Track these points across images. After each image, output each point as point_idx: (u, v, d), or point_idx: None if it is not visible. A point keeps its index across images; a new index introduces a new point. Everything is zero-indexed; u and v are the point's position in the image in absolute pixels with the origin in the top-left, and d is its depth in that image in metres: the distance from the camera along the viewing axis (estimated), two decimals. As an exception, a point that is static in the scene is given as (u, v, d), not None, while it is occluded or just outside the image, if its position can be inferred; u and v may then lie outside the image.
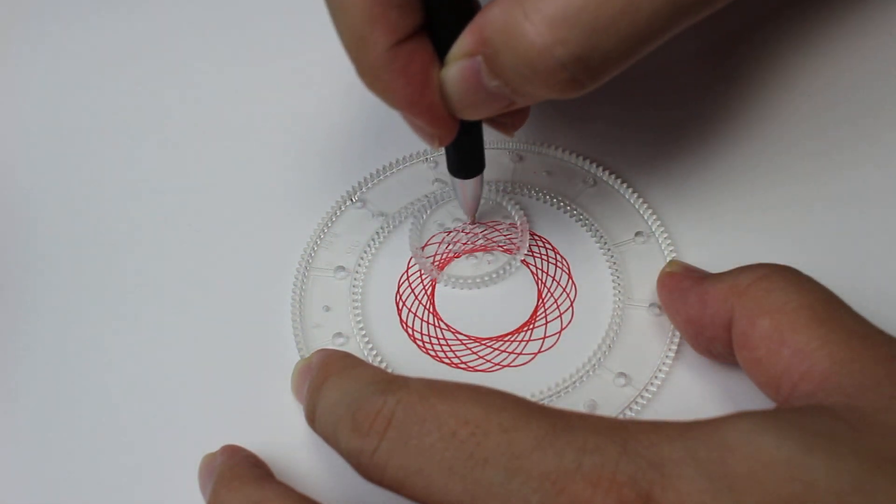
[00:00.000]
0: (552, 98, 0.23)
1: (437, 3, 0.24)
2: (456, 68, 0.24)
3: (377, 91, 0.25)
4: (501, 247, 0.31)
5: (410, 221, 0.32)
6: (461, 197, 0.31)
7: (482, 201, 0.32)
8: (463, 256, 0.31)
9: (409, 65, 0.24)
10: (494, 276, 0.31)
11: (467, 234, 0.32)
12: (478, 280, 0.31)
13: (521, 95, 0.24)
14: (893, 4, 0.36)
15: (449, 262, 0.31)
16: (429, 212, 0.32)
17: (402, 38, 0.24)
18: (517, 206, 0.32)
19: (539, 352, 0.30)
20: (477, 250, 0.32)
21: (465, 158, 0.29)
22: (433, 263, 0.31)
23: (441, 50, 0.24)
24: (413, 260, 0.31)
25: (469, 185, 0.30)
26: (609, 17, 0.21)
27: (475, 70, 0.23)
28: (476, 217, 0.32)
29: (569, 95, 0.23)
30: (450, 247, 0.32)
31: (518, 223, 0.32)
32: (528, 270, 0.31)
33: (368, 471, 0.21)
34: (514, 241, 0.32)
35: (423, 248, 0.32)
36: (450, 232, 0.32)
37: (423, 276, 0.31)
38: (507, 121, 0.28)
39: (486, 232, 0.32)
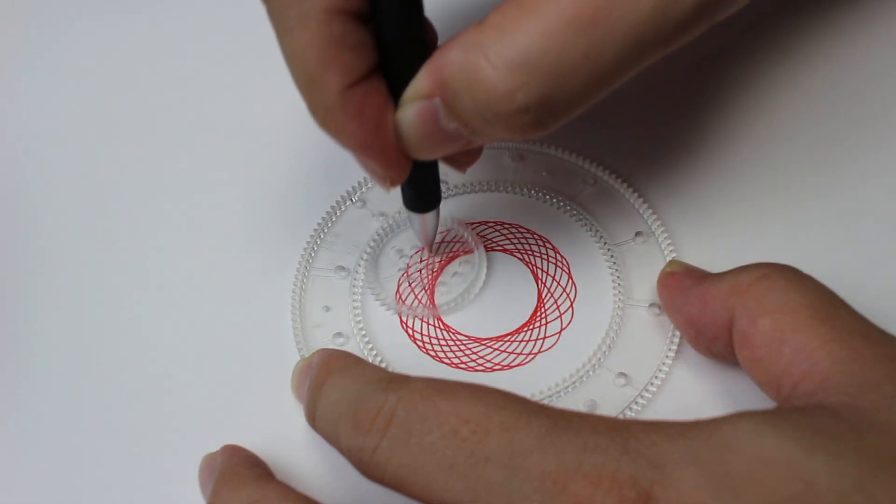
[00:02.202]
0: (513, 139, 0.23)
1: (392, 44, 0.23)
2: (412, 110, 0.23)
3: (330, 132, 0.24)
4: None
5: (364, 261, 0.31)
6: (418, 230, 0.30)
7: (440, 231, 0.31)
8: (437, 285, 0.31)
9: (362, 107, 0.23)
10: (465, 296, 0.30)
11: (425, 262, 0.32)
12: (452, 304, 0.30)
13: (480, 136, 0.23)
14: (891, 5, 0.36)
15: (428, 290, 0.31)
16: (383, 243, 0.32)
17: (355, 80, 0.23)
18: (474, 233, 0.31)
19: (539, 352, 0.30)
20: (439, 275, 0.31)
21: (421, 192, 0.28)
22: (404, 301, 0.31)
23: (396, 91, 0.24)
24: (374, 296, 0.31)
25: (426, 218, 0.29)
26: (572, 60, 0.21)
27: (432, 112, 0.23)
28: (433, 248, 0.31)
29: (530, 137, 0.23)
30: (413, 284, 0.31)
31: (475, 249, 0.31)
32: (528, 270, 0.31)
33: (369, 469, 0.21)
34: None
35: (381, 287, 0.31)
36: (409, 267, 0.31)
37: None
38: (461, 158, 0.27)
39: (442, 260, 0.32)
